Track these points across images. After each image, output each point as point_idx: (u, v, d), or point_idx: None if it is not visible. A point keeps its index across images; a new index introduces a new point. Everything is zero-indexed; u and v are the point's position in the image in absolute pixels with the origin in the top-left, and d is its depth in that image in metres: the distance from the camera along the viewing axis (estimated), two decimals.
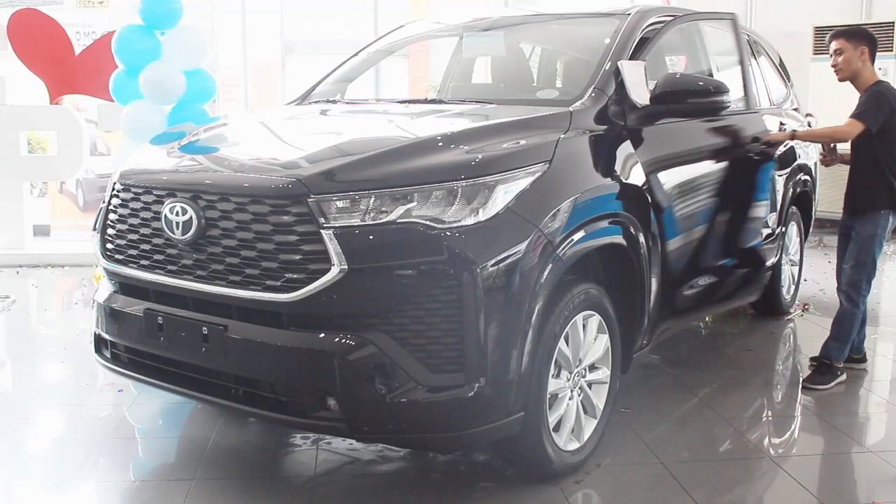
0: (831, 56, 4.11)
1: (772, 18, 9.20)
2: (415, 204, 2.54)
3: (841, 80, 4.06)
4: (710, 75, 4.33)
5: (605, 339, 3.11)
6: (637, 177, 3.27)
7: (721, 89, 3.46)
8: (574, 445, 3.02)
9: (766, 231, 4.73)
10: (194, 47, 6.27)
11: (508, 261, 2.59)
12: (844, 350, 4.07)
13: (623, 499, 2.95)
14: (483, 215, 2.58)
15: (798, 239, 5.45)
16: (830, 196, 8.40)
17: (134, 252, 2.95)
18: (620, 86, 3.33)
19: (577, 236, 2.84)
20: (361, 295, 2.50)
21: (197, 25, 6.55)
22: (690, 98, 3.38)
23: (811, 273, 6.55)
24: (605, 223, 3.04)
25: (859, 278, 3.97)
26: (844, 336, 4.02)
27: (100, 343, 3.16)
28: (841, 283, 4.08)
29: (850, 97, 4.02)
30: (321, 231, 2.50)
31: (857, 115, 3.95)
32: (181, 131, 3.54)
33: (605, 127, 3.22)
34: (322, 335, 2.54)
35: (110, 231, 3.08)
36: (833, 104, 8.28)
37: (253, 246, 2.61)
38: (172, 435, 3.51)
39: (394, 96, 4.16)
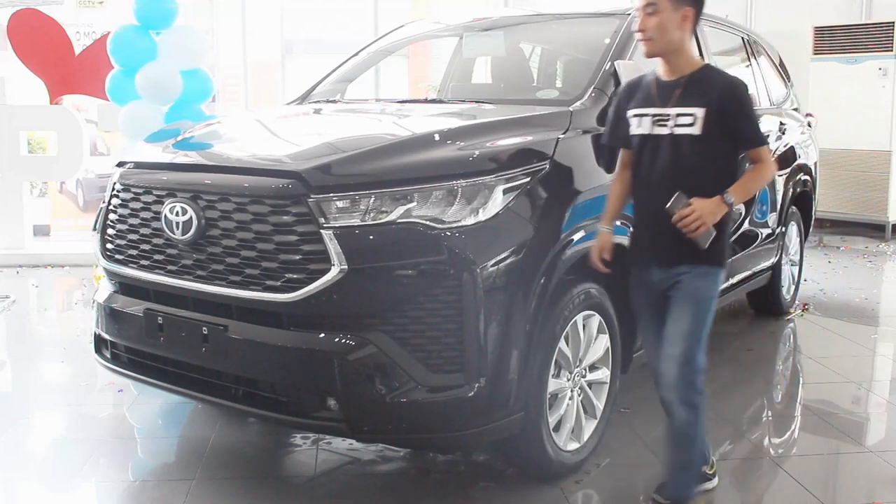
0: (639, 15, 2.59)
1: (772, 18, 9.20)
2: (415, 204, 2.54)
3: (649, 54, 2.61)
4: None
5: (605, 339, 3.11)
6: None
7: None
8: (574, 445, 3.02)
9: (765, 231, 4.73)
10: (191, 47, 6.27)
11: (508, 261, 2.59)
12: (696, 477, 2.75)
13: (623, 499, 2.95)
14: (483, 215, 2.58)
15: (798, 239, 5.45)
16: (830, 196, 8.44)
17: (134, 252, 2.95)
18: (619, 86, 3.33)
19: (576, 236, 2.84)
20: (361, 295, 2.50)
21: (196, 25, 6.55)
22: None
23: (811, 273, 6.55)
24: None
25: (696, 366, 2.58)
26: (691, 457, 2.67)
27: (100, 343, 3.16)
28: (666, 378, 2.62)
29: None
30: (321, 231, 2.50)
31: (762, 137, 2.66)
32: (178, 128, 3.54)
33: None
34: (322, 335, 2.54)
35: (110, 231, 3.08)
36: (833, 104, 8.36)
37: (253, 246, 2.61)
38: (172, 435, 3.51)
39: (394, 96, 4.16)
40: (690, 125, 2.53)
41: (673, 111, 2.56)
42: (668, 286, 2.63)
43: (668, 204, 2.49)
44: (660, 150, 2.59)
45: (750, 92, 2.56)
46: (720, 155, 2.57)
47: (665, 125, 2.58)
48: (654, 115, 2.60)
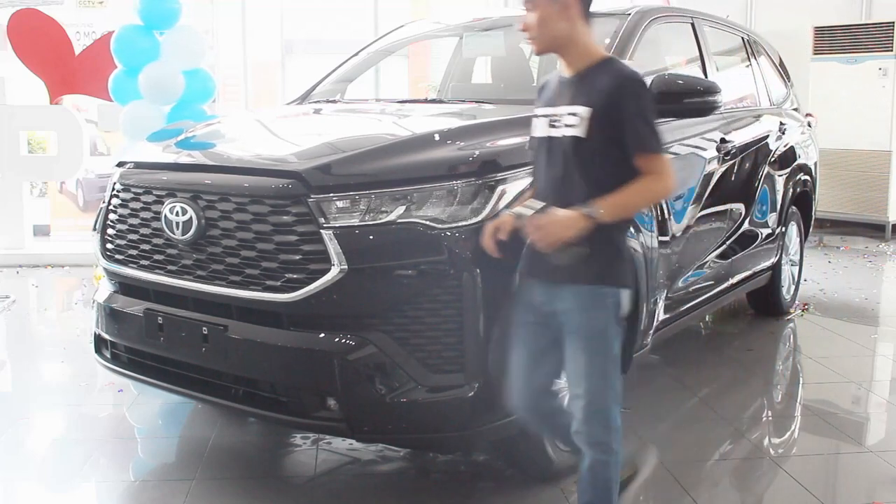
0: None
1: (772, 18, 9.20)
2: (414, 204, 2.54)
3: (538, 52, 2.37)
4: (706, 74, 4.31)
5: None
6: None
7: (713, 89, 3.45)
8: None
9: (765, 231, 4.73)
10: (193, 47, 6.29)
11: (508, 261, 2.58)
12: None
13: (623, 499, 2.95)
14: (483, 215, 2.57)
15: (798, 239, 5.45)
16: (830, 196, 8.44)
17: (134, 252, 2.95)
18: None
19: None
20: (361, 295, 2.50)
21: (196, 25, 6.56)
22: (684, 98, 3.36)
23: (811, 273, 6.55)
24: None
25: (606, 404, 2.28)
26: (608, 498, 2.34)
27: (100, 343, 3.16)
28: (576, 418, 2.31)
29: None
30: (321, 231, 2.49)
31: (654, 143, 2.22)
32: (179, 128, 3.54)
33: None
34: (322, 335, 2.54)
35: (110, 231, 3.08)
36: (833, 104, 8.36)
37: (253, 246, 2.61)
38: (172, 435, 3.51)
39: (394, 96, 4.16)
40: (575, 126, 2.20)
41: (563, 110, 2.25)
42: (552, 312, 2.28)
43: (516, 211, 2.14)
44: (551, 153, 2.29)
45: (650, 92, 2.20)
46: (609, 162, 2.20)
47: (556, 126, 2.27)
48: (549, 116, 2.31)
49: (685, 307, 3.89)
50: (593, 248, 2.17)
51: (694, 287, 3.96)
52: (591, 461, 2.31)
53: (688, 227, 3.74)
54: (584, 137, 2.19)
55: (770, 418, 3.76)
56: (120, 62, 6.26)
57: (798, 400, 3.99)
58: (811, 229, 5.76)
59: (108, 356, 3.13)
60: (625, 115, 2.17)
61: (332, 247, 2.48)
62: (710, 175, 3.96)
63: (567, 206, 2.18)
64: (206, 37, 6.79)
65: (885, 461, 3.23)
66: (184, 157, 3.09)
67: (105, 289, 3.15)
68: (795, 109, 5.53)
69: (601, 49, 2.32)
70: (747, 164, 4.41)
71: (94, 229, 3.18)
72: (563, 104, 2.27)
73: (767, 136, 4.72)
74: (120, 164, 3.17)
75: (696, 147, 3.89)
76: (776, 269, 5.04)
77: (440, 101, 4.08)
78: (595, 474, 2.30)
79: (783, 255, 5.12)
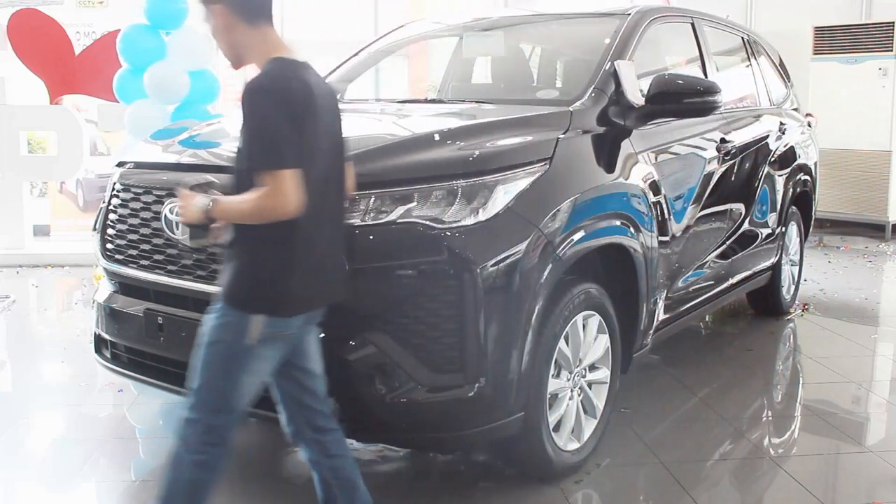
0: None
1: (772, 18, 9.20)
2: (415, 204, 2.54)
3: (233, 67, 2.31)
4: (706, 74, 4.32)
5: (605, 339, 3.11)
6: (636, 177, 3.27)
7: (713, 89, 3.45)
8: (574, 445, 3.02)
9: (765, 231, 4.73)
10: (199, 48, 6.29)
11: (508, 261, 2.59)
12: None
13: (623, 499, 2.95)
14: (483, 215, 2.57)
15: (798, 239, 5.45)
16: (830, 196, 8.44)
17: (134, 252, 2.96)
18: (619, 86, 3.33)
19: (577, 236, 2.84)
20: (361, 295, 2.49)
21: (198, 26, 6.57)
22: (684, 98, 3.37)
23: (811, 273, 6.55)
24: (605, 223, 3.04)
25: (196, 419, 2.24)
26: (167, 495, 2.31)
27: (100, 343, 3.16)
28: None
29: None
30: None
31: (265, 158, 2.04)
32: (178, 128, 3.54)
33: (604, 127, 3.22)
34: (322, 335, 2.54)
35: (110, 231, 3.08)
36: (833, 104, 8.36)
37: None
38: (172, 435, 3.50)
39: (394, 96, 4.16)
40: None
41: None
42: None
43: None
44: None
45: (274, 99, 2.04)
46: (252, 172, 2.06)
47: None
48: None
49: (685, 307, 3.89)
50: (236, 264, 2.15)
51: (694, 287, 3.97)
52: (170, 458, 2.29)
53: (688, 227, 3.74)
54: (241, 147, 2.13)
55: (770, 418, 3.76)
56: (126, 61, 6.26)
57: (798, 400, 3.99)
58: (811, 229, 5.76)
59: (108, 356, 3.13)
60: (241, 127, 2.09)
61: None
62: (710, 175, 3.97)
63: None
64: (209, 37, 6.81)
65: (885, 461, 3.23)
66: (184, 157, 3.09)
67: (105, 289, 3.15)
68: (795, 109, 5.53)
69: (276, 51, 2.18)
70: (747, 164, 4.42)
71: (94, 229, 3.19)
72: None
73: (767, 137, 4.72)
74: (120, 164, 3.17)
75: (696, 147, 3.90)
76: (776, 269, 5.05)
77: (440, 101, 4.08)
78: (168, 471, 2.29)
79: (783, 255, 5.12)
